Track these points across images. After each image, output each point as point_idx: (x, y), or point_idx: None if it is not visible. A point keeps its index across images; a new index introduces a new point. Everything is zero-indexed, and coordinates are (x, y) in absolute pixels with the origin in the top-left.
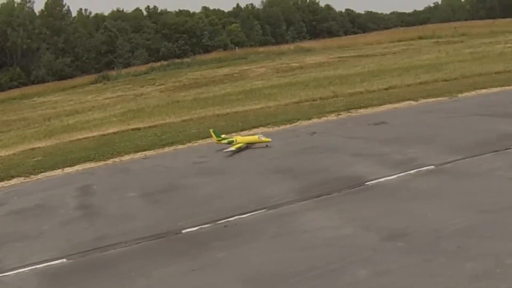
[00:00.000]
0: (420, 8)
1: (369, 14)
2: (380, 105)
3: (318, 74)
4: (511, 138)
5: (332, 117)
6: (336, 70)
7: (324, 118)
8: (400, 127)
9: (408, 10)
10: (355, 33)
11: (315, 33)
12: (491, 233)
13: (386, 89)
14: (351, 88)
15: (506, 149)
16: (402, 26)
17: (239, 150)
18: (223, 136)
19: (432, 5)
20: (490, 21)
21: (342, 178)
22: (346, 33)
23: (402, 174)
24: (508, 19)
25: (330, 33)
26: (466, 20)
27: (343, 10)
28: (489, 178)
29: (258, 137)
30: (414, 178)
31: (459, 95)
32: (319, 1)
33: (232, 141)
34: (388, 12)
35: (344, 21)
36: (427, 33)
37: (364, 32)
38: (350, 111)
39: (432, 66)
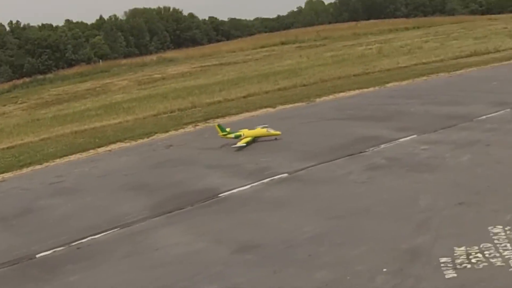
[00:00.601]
0: (284, 13)
1: (233, 21)
2: (238, 113)
3: (179, 84)
4: (366, 141)
5: (190, 128)
6: (197, 79)
7: (181, 130)
8: None
9: (272, 15)
10: (219, 41)
11: (179, 43)
12: (342, 239)
13: (244, 97)
14: (209, 98)
15: (360, 152)
16: (266, 32)
17: (247, 144)
18: (228, 130)
19: (295, 9)
20: (353, 23)
21: (196, 191)
22: (210, 41)
23: (255, 183)
24: (371, 21)
25: (194, 42)
26: (329, 23)
27: (207, 18)
28: (341, 183)
29: (267, 130)
30: (267, 187)
31: (317, 99)
32: (182, 10)
33: (240, 136)
34: (252, 19)
35: (208, 29)
36: (290, 38)
37: (228, 39)
38: (208, 121)
39: (292, 71)
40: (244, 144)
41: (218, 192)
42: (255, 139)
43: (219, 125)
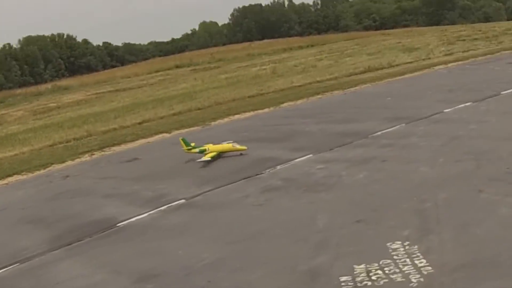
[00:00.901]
0: (178, 36)
1: (127, 46)
2: (134, 140)
3: (74, 113)
4: (262, 163)
5: (86, 157)
6: (92, 107)
7: (77, 160)
8: (152, 163)
9: (166, 39)
10: (114, 66)
11: (73, 70)
12: (241, 264)
13: (140, 123)
14: (105, 126)
15: (257, 174)
16: (160, 56)
17: (212, 159)
18: (193, 144)
19: (189, 32)
20: (247, 44)
21: (94, 222)
22: (105, 67)
23: (153, 211)
24: (265, 41)
25: (89, 69)
26: (224, 45)
27: (101, 44)
28: (238, 207)
29: (232, 145)
30: (164, 215)
31: (212, 123)
32: (76, 36)
33: (204, 150)
34: (146, 43)
35: (102, 55)
36: (184, 61)
37: (122, 65)
38: (104, 149)
39: (187, 95)
40: (209, 159)
41: (116, 222)
42: (220, 154)
43: (183, 139)
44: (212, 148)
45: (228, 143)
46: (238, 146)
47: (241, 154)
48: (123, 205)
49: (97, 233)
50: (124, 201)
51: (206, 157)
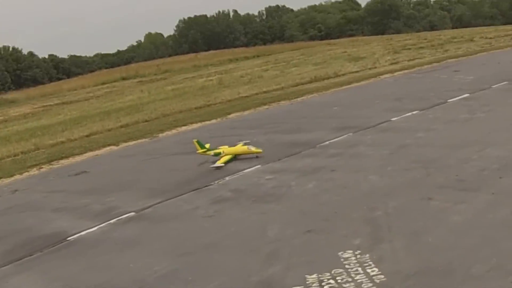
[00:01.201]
0: (124, 47)
1: (73, 58)
2: (82, 153)
3: (21, 126)
4: (211, 174)
5: (34, 171)
6: (39, 120)
7: (26, 174)
8: (101, 175)
9: (112, 50)
10: (60, 79)
11: (20, 83)
12: (193, 276)
13: (87, 136)
14: (52, 139)
15: (206, 186)
16: (106, 68)
17: (225, 164)
18: (207, 146)
19: (135, 43)
20: (193, 55)
21: (44, 236)
22: (51, 79)
23: (103, 224)
24: (211, 52)
25: (35, 81)
26: (170, 56)
27: (47, 56)
28: (189, 219)
29: (247, 148)
30: (115, 228)
31: (160, 135)
32: (21, 49)
33: (219, 153)
34: (91, 55)
35: (48, 68)
36: (130, 73)
37: (68, 77)
38: (52, 163)
39: (133, 107)
40: (223, 164)
41: (66, 236)
42: (235, 157)
43: (197, 141)
44: (227, 151)
45: (243, 144)
46: (253, 149)
47: (257, 157)
48: (73, 219)
49: (47, 247)
50: (74, 215)
51: (220, 162)
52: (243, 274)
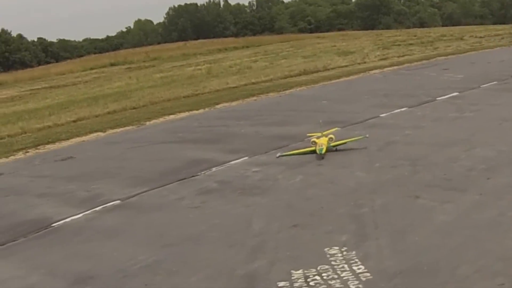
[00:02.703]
0: (113, 33)
1: (62, 42)
2: (68, 138)
3: (8, 109)
4: (197, 164)
5: (20, 155)
6: (27, 104)
7: (12, 157)
8: (87, 161)
9: (101, 36)
10: (48, 62)
11: (8, 65)
12: (178, 267)
13: (74, 121)
14: (39, 123)
15: (192, 176)
16: (95, 53)
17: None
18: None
19: (124, 29)
20: (182, 43)
21: (28, 221)
22: (39, 63)
23: (88, 212)
24: (200, 41)
25: (24, 64)
26: (159, 43)
27: (36, 39)
28: (174, 209)
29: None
30: (99, 216)
31: (147, 122)
32: (11, 31)
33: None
34: (80, 39)
35: (37, 51)
36: (119, 59)
37: (57, 61)
38: (38, 147)
39: (121, 93)
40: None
41: (51, 222)
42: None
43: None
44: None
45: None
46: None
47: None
48: (58, 205)
49: (31, 233)
50: (59, 201)
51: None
52: (228, 267)
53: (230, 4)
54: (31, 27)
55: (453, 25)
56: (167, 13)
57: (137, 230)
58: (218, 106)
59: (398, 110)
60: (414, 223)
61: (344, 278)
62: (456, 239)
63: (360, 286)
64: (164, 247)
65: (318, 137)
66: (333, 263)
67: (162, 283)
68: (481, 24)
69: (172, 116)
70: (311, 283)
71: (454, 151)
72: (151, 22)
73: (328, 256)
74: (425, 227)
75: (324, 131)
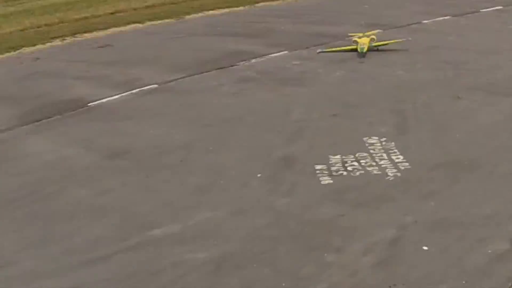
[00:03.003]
0: None
1: None
2: (106, 28)
3: (46, 1)
4: (237, 55)
5: (57, 42)
6: None
7: (49, 44)
8: (125, 50)
9: None
10: None
11: None
12: (214, 146)
13: (112, 13)
14: (77, 14)
15: (231, 66)
16: None
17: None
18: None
19: None
20: None
21: (64, 101)
22: None
23: (125, 94)
24: None
25: None
26: None
27: None
28: (212, 94)
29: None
30: (136, 97)
31: (186, 17)
32: None
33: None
34: None
35: None
36: None
37: None
38: (76, 35)
39: None
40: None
41: (86, 102)
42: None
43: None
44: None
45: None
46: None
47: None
48: (94, 87)
49: (67, 112)
50: (95, 83)
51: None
52: (265, 149)
53: None
54: None
55: None
56: None
57: (174, 112)
58: (258, 5)
59: (441, 18)
60: (456, 121)
61: (383, 166)
62: (497, 139)
63: (398, 174)
64: (201, 128)
65: (359, 37)
66: (371, 151)
67: (197, 160)
68: None
69: (211, 12)
70: (349, 168)
71: (497, 59)
72: None
73: (367, 144)
74: (467, 125)
75: (366, 32)
